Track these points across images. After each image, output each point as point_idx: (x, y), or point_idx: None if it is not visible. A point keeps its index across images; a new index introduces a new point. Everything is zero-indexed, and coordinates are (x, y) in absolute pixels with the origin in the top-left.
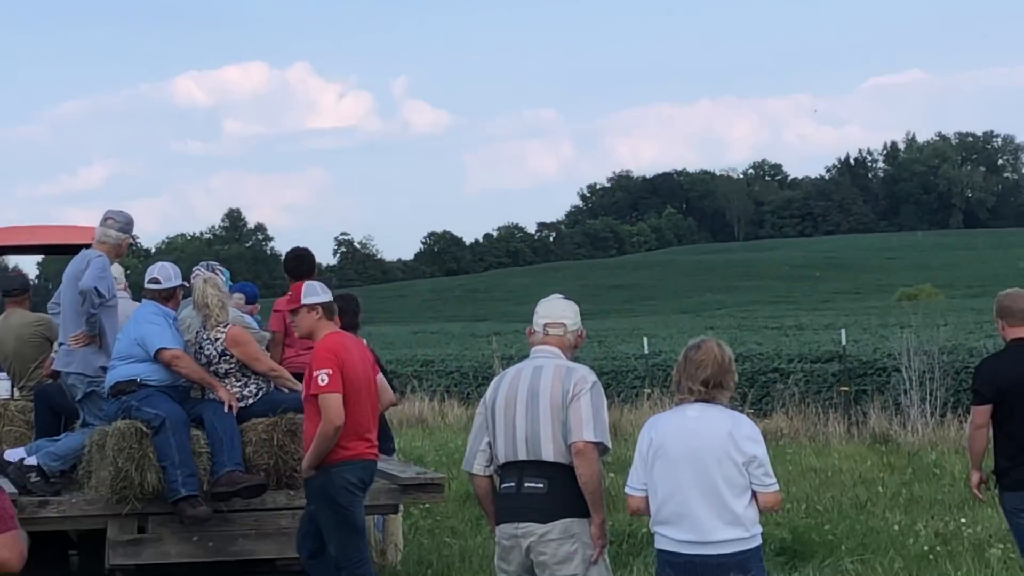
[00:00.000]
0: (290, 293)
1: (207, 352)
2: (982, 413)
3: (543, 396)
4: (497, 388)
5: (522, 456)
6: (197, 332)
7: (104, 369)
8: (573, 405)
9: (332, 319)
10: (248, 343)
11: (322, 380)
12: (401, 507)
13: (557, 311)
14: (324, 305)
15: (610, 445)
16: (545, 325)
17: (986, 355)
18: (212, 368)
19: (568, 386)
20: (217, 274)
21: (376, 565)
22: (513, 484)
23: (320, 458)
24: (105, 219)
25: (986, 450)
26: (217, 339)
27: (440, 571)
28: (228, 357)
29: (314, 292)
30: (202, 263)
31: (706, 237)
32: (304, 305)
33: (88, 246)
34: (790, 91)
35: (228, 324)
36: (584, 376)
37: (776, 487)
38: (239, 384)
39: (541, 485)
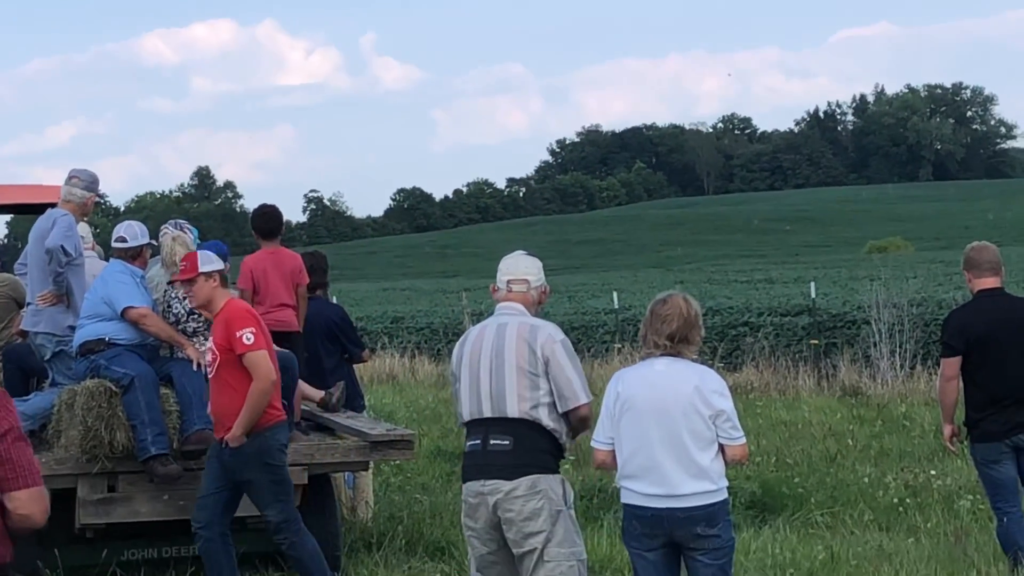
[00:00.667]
0: (184, 264)
1: (175, 310)
2: (952, 365)
3: (508, 353)
4: (463, 346)
5: (487, 413)
6: (165, 291)
7: (72, 328)
8: (555, 371)
9: (227, 287)
10: None
11: (247, 339)
12: (372, 464)
13: (521, 268)
14: (221, 272)
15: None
16: (508, 282)
17: (955, 307)
18: (180, 326)
19: (535, 344)
20: (186, 232)
21: (347, 522)
22: (479, 441)
23: (254, 421)
24: (70, 178)
25: (957, 402)
26: (186, 298)
27: (411, 527)
28: (196, 316)
29: (210, 260)
30: (171, 221)
31: (676, 191)
32: (201, 273)
33: (55, 205)
34: (759, 44)
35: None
36: (551, 334)
37: (743, 440)
38: (208, 342)
39: (507, 442)
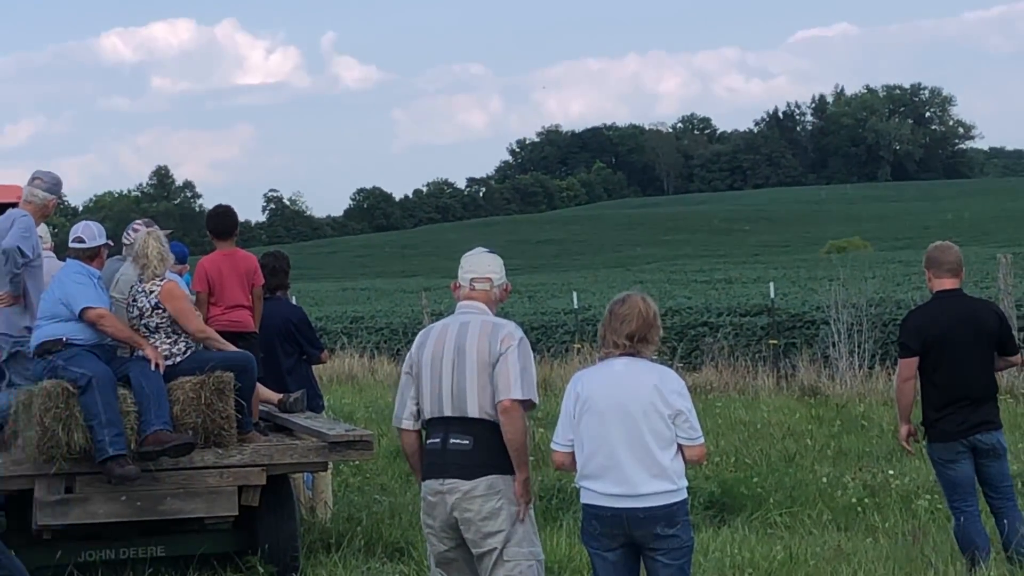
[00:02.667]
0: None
1: (140, 304)
2: (909, 365)
3: (469, 352)
4: (423, 343)
5: (448, 412)
6: (132, 285)
7: (29, 329)
8: (500, 363)
9: None
10: (182, 298)
11: None
12: (330, 464)
13: (484, 266)
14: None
15: (537, 400)
16: (472, 280)
17: (913, 307)
18: (144, 321)
19: (495, 343)
20: (128, 232)
21: (306, 522)
22: (439, 440)
23: None
24: (33, 179)
25: (914, 402)
26: (152, 291)
27: (370, 528)
28: (161, 311)
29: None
30: (139, 220)
31: (635, 191)
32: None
33: (13, 205)
34: (718, 44)
35: (165, 279)
36: (511, 332)
37: (702, 440)
38: (169, 341)
39: (466, 442)
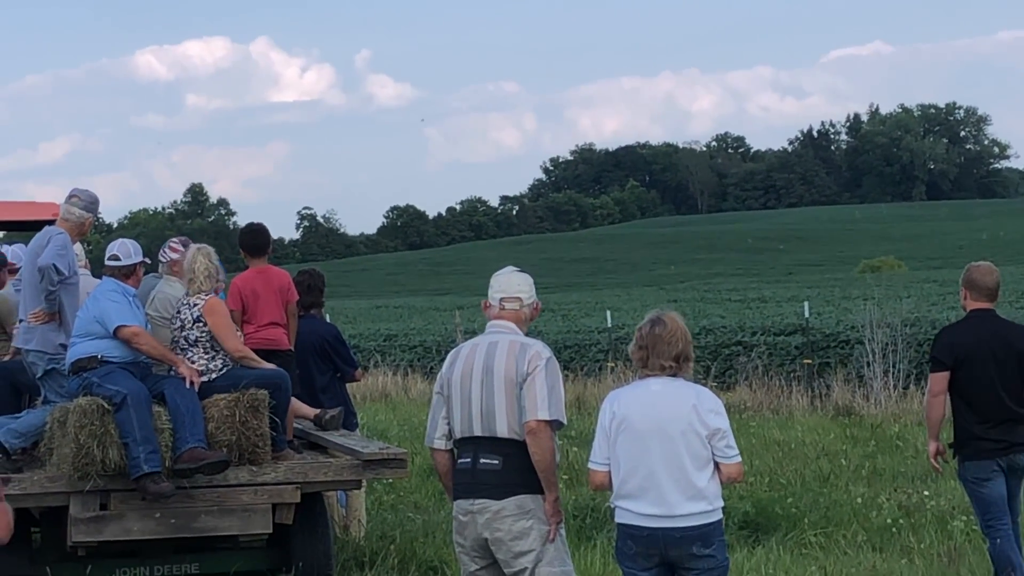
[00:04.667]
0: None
1: (183, 316)
2: (940, 380)
3: (497, 372)
4: (453, 363)
5: (477, 432)
6: (178, 300)
7: (64, 346)
8: (528, 383)
9: None
10: (223, 316)
11: None
12: (364, 482)
13: (514, 285)
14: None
15: (565, 420)
16: (501, 300)
17: (947, 324)
18: (184, 333)
19: (523, 363)
20: (164, 251)
21: (340, 540)
22: (469, 460)
23: None
24: (70, 197)
25: (943, 419)
26: (196, 304)
27: (403, 546)
28: (201, 325)
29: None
30: (177, 238)
31: (669, 210)
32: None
33: (48, 222)
34: (753, 63)
35: (210, 294)
36: (538, 352)
37: (738, 458)
38: (206, 357)
39: (496, 461)
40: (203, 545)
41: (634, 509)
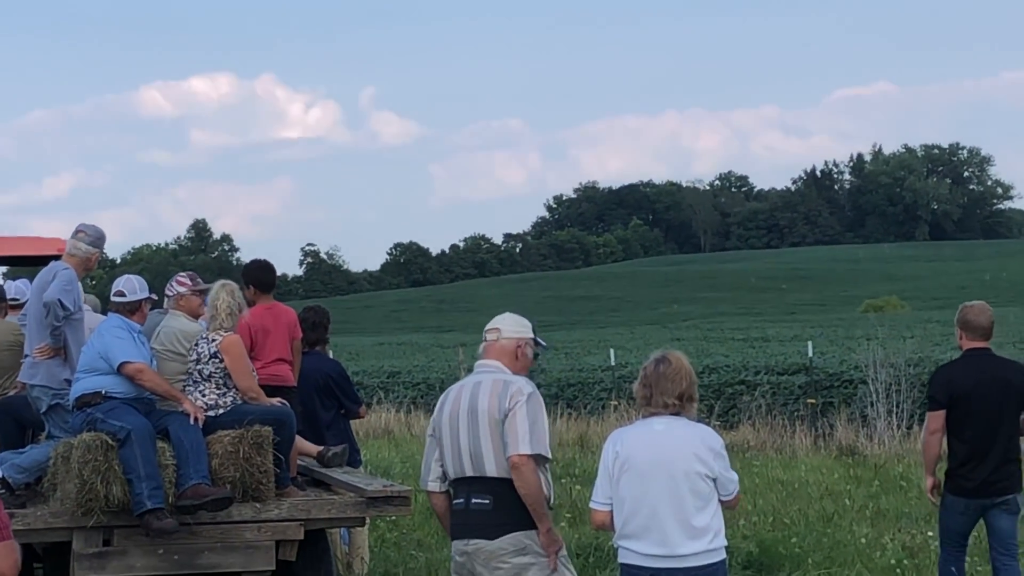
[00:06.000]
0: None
1: (200, 349)
2: (936, 418)
3: (482, 412)
4: (443, 405)
5: (468, 472)
6: (184, 333)
7: (68, 382)
8: (508, 420)
9: None
10: (240, 356)
11: None
12: (367, 519)
13: (497, 320)
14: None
15: (549, 455)
16: (484, 333)
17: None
18: (199, 367)
19: (504, 399)
20: (171, 285)
21: None
22: (462, 500)
23: None
24: (76, 232)
25: (940, 456)
26: (214, 340)
27: None
28: (217, 361)
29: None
30: (184, 273)
31: (672, 248)
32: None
33: (53, 257)
34: (757, 103)
35: (230, 332)
36: (520, 388)
37: (736, 487)
38: (217, 392)
39: (487, 501)
40: None
41: (637, 549)
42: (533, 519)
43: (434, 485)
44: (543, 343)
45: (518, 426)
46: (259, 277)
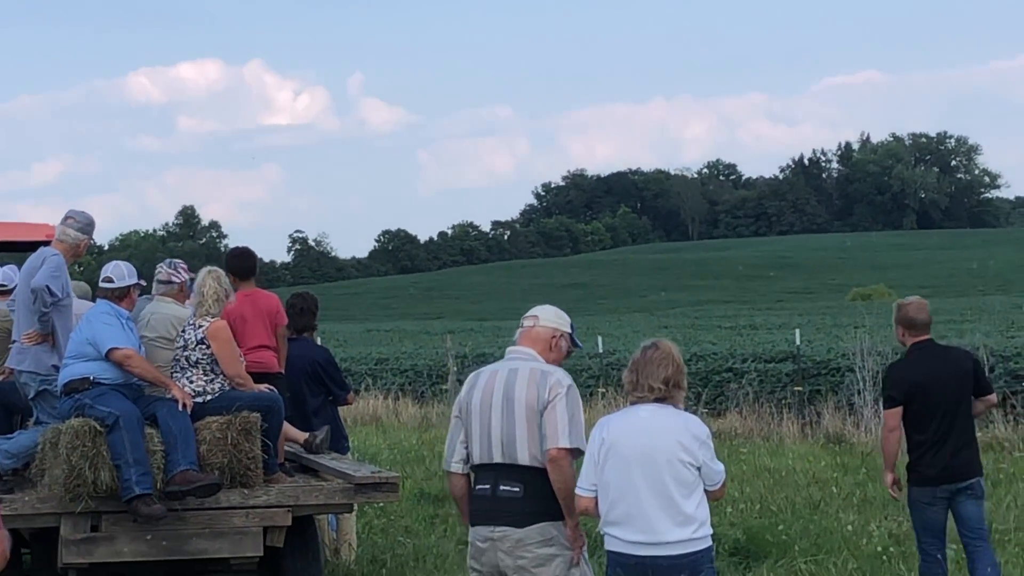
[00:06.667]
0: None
1: (187, 336)
2: (894, 415)
3: (519, 400)
4: (472, 388)
5: (497, 459)
6: (173, 318)
7: (56, 368)
8: (548, 411)
9: None
10: (226, 342)
11: None
12: (355, 506)
13: (536, 309)
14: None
15: (585, 448)
16: (522, 319)
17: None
18: (186, 353)
19: (544, 390)
20: (178, 271)
21: (330, 564)
22: (488, 487)
23: None
24: (66, 218)
25: (898, 451)
26: (200, 326)
27: (394, 570)
28: (204, 347)
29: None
30: (165, 261)
31: (660, 236)
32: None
33: (42, 243)
34: (745, 91)
35: (216, 317)
36: (559, 380)
37: (724, 476)
38: (205, 378)
39: (517, 489)
40: (194, 568)
41: (621, 536)
42: (561, 511)
43: (457, 467)
44: (579, 344)
45: (558, 419)
46: (236, 265)
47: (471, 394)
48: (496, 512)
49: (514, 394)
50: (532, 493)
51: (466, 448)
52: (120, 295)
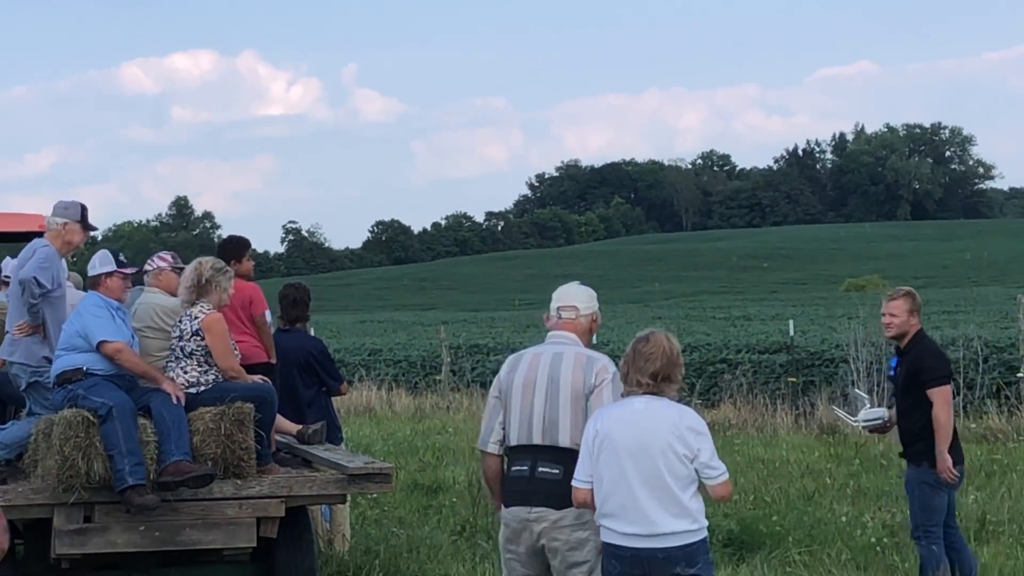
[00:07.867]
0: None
1: (183, 326)
2: (949, 393)
3: (564, 383)
4: (513, 369)
5: (537, 440)
6: (162, 308)
7: (48, 360)
8: (595, 396)
9: None
10: (220, 334)
11: None
12: (348, 497)
13: (571, 295)
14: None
15: None
16: (558, 309)
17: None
18: (181, 343)
19: (591, 375)
20: (167, 261)
21: (324, 555)
22: (526, 468)
23: None
24: (55, 209)
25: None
26: (196, 317)
27: (387, 561)
28: (199, 338)
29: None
30: (158, 253)
31: (654, 227)
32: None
33: (36, 234)
34: (739, 82)
35: (214, 309)
36: (605, 366)
37: (724, 477)
38: (199, 370)
39: (557, 471)
40: (187, 558)
41: (616, 528)
42: None
43: (494, 447)
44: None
45: (604, 403)
46: (222, 251)
47: (512, 375)
48: (533, 493)
49: (559, 377)
50: (571, 476)
51: (503, 429)
52: (94, 284)
